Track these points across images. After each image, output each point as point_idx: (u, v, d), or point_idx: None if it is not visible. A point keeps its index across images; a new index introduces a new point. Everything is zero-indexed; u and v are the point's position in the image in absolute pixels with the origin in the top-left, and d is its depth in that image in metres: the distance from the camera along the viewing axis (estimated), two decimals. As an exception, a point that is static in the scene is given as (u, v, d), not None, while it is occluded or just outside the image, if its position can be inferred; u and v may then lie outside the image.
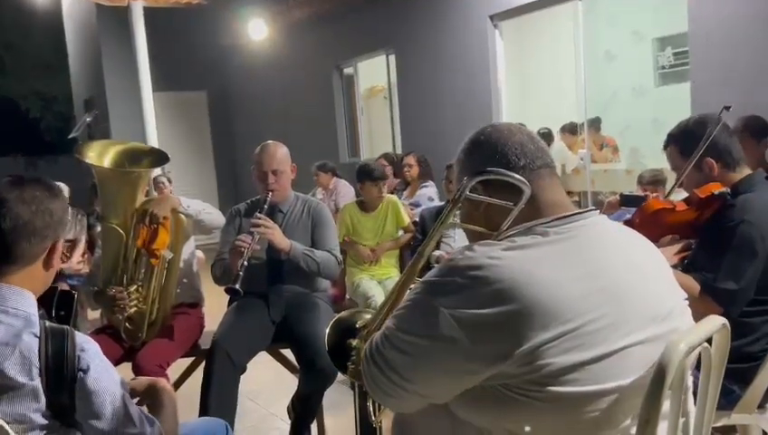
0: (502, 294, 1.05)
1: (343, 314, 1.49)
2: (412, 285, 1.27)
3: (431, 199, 5.43)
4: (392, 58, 7.92)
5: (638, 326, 1.11)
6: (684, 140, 2.16)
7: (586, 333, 1.06)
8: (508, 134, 1.25)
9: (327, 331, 1.45)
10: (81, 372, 1.39)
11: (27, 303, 1.42)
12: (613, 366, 1.08)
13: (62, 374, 1.37)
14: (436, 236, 1.30)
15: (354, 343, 1.36)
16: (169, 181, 5.61)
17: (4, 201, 1.39)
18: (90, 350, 1.43)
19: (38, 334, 1.39)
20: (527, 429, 1.10)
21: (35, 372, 1.35)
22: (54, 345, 1.38)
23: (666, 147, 2.24)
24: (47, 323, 1.42)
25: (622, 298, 1.12)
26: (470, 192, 1.20)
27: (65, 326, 1.43)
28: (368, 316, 1.41)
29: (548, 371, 1.04)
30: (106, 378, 1.44)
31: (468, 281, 1.08)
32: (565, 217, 1.18)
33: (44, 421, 1.37)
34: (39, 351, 1.36)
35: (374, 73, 8.74)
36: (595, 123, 6.78)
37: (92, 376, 1.40)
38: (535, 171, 1.21)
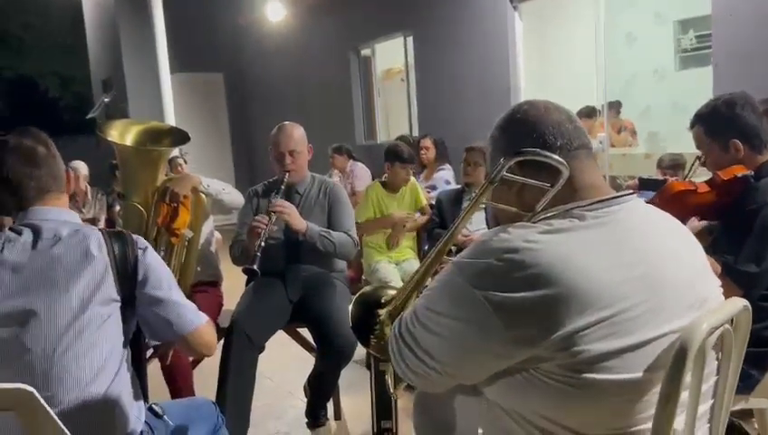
0: (538, 278, 1.03)
1: (367, 288, 1.49)
2: (443, 265, 1.26)
3: (448, 183, 5.41)
4: (410, 40, 7.87)
5: (675, 315, 1.10)
6: (711, 121, 2.12)
7: (622, 321, 1.05)
8: (545, 112, 1.21)
9: (350, 305, 1.44)
10: (140, 251, 1.67)
11: (73, 216, 1.72)
12: (648, 355, 1.07)
13: (125, 253, 1.64)
14: (469, 215, 1.27)
15: (381, 313, 1.35)
16: (185, 162, 5.63)
17: (32, 149, 1.66)
18: (143, 241, 1.71)
19: (97, 229, 1.67)
20: (557, 413, 1.09)
21: (104, 250, 1.62)
22: (115, 237, 1.67)
23: (692, 126, 2.20)
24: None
25: (660, 286, 1.10)
26: (506, 172, 1.17)
27: None
28: (392, 292, 1.41)
29: (583, 357, 1.03)
30: (160, 261, 1.73)
31: (503, 264, 1.06)
32: (603, 200, 1.15)
33: (116, 295, 1.61)
34: (104, 237, 1.64)
35: (391, 55, 8.69)
36: (615, 106, 6.71)
37: (150, 254, 1.69)
38: (573, 152, 1.18)
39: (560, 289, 1.03)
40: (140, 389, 1.73)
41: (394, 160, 4.02)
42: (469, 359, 1.12)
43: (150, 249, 1.70)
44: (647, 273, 1.10)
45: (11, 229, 1.64)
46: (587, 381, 1.04)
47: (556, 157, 1.14)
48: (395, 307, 1.33)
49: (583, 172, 1.19)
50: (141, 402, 1.72)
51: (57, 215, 1.67)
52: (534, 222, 1.14)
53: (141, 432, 1.67)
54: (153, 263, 1.69)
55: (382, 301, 1.39)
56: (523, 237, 1.08)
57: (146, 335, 1.76)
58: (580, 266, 1.05)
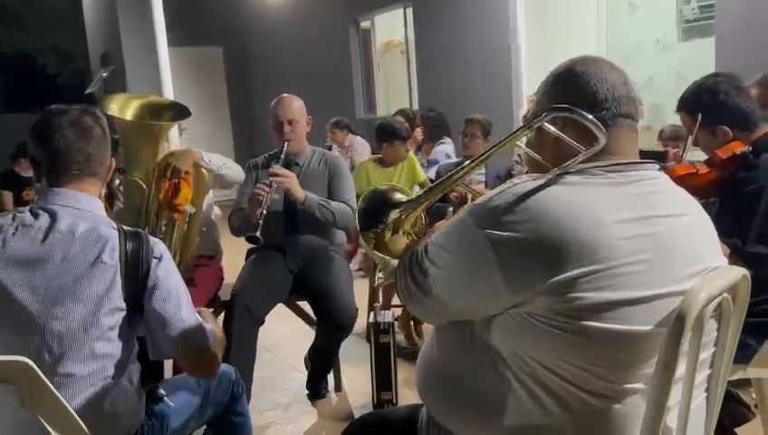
0: (540, 223, 1.07)
1: (382, 186, 1.46)
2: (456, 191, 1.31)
3: (448, 156, 5.38)
4: (410, 11, 7.78)
5: (676, 279, 1.12)
6: (695, 109, 2.10)
7: (621, 274, 1.07)
8: (605, 71, 1.22)
9: (367, 193, 1.43)
10: (155, 260, 1.62)
11: (97, 206, 1.67)
12: (644, 311, 1.09)
13: (138, 257, 1.59)
14: (505, 145, 1.26)
15: (389, 216, 1.36)
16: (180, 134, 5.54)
17: (91, 128, 1.64)
18: (161, 245, 1.67)
19: (115, 227, 1.62)
20: (554, 361, 1.11)
21: (116, 255, 1.57)
22: (131, 236, 1.62)
23: (678, 110, 2.19)
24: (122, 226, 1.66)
25: (667, 250, 1.12)
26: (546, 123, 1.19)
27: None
28: (403, 197, 1.40)
29: (578, 304, 1.06)
30: (175, 272, 1.67)
31: (510, 207, 1.10)
32: (623, 163, 1.17)
33: (122, 304, 1.57)
34: (119, 239, 1.59)
35: (391, 27, 8.59)
36: None
37: (165, 265, 1.64)
38: (617, 118, 1.20)
39: (561, 236, 1.06)
40: (154, 371, 1.70)
41: (393, 140, 4.03)
42: (464, 293, 1.19)
43: (166, 260, 1.65)
44: (655, 235, 1.12)
45: (30, 211, 1.60)
46: (580, 327, 1.07)
47: (598, 124, 1.13)
48: (400, 217, 1.36)
49: (620, 139, 1.20)
50: (143, 395, 1.70)
51: (79, 202, 1.62)
52: (554, 175, 1.15)
53: (142, 425, 1.66)
54: (165, 275, 1.63)
55: (394, 202, 1.39)
56: (534, 185, 1.12)
57: (149, 353, 1.66)
58: (586, 218, 1.08)
